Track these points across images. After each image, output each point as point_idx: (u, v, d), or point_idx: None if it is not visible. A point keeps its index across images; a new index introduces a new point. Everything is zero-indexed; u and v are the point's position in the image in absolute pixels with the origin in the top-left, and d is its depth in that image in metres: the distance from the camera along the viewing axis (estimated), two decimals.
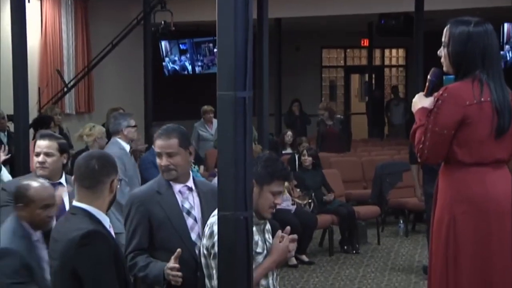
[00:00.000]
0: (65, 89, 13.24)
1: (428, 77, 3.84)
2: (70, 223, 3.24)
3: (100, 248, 3.15)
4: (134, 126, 7.03)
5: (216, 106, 2.99)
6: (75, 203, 3.30)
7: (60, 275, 3.18)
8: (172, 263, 3.71)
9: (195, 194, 4.03)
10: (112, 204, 3.39)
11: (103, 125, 9.72)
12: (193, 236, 3.93)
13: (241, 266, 2.95)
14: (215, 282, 3.48)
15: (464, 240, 3.64)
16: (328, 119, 13.35)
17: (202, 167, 9.66)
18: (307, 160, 9.88)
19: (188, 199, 4.00)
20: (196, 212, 3.98)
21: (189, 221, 3.96)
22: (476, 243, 3.64)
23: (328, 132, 13.33)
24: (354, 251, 9.72)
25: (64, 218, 3.37)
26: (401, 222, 10.95)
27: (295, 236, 3.70)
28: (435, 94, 3.71)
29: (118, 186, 3.40)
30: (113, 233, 3.34)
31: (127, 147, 6.86)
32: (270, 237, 3.74)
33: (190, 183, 4.04)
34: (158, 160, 4.00)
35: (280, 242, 3.62)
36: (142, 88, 13.49)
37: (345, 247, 9.79)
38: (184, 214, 3.97)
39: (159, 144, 3.98)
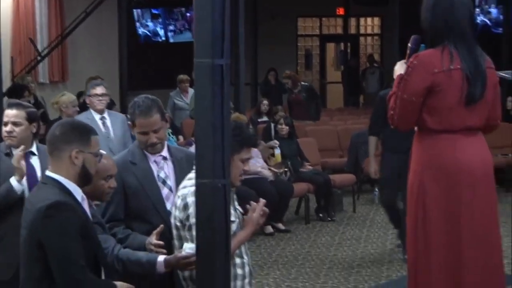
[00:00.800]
0: (39, 58, 13.10)
1: (408, 44, 3.87)
2: (40, 193, 3.19)
3: (66, 220, 3.07)
4: (99, 95, 6.87)
5: (192, 76, 2.97)
6: (47, 172, 3.25)
7: (28, 245, 3.14)
8: (155, 240, 3.67)
9: (169, 163, 4.01)
10: (86, 179, 3.24)
11: (78, 94, 9.69)
12: (168, 205, 3.92)
13: (219, 233, 2.95)
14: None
15: (432, 205, 3.72)
16: (293, 87, 13.35)
17: (181, 137, 9.64)
18: (284, 128, 9.89)
19: (164, 169, 3.98)
20: (171, 181, 3.97)
21: (164, 191, 3.95)
22: (444, 207, 3.72)
23: (294, 100, 13.32)
24: (330, 219, 9.79)
25: (37, 188, 3.32)
26: (377, 190, 11.02)
27: (266, 209, 3.70)
28: (408, 61, 3.76)
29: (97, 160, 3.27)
30: (85, 205, 3.25)
31: (97, 116, 6.77)
32: (237, 204, 3.80)
33: (165, 152, 4.02)
34: (142, 138, 3.95)
35: (253, 213, 3.64)
36: (117, 57, 13.40)
37: (321, 215, 9.86)
38: (160, 184, 3.95)
39: (143, 123, 3.92)
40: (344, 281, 7.18)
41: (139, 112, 3.93)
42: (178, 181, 3.93)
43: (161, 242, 3.69)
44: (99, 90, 6.90)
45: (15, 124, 4.43)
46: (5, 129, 4.42)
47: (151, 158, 3.98)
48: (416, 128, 3.84)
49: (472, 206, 3.72)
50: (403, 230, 6.54)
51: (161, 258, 3.52)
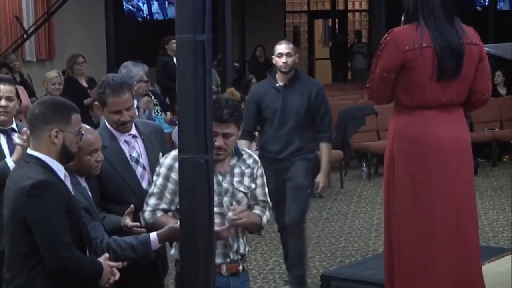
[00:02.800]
0: (25, 36, 13.03)
1: (402, 18, 3.91)
2: (23, 171, 3.17)
3: (50, 198, 3.06)
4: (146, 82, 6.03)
5: None
6: (28, 150, 3.22)
7: (12, 223, 3.14)
8: (129, 222, 3.65)
9: (139, 140, 3.96)
10: (68, 158, 3.22)
11: (63, 72, 9.67)
12: (144, 184, 3.89)
13: (202, 209, 2.97)
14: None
15: (402, 176, 3.77)
16: None
17: (169, 114, 9.60)
18: None
19: (135, 148, 3.94)
20: (144, 159, 3.93)
21: (139, 170, 3.92)
22: (413, 182, 3.76)
23: None
24: (318, 195, 9.83)
25: (18, 166, 3.32)
26: (364, 165, 11.09)
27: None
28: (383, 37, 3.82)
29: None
30: (68, 183, 3.24)
31: (135, 103, 6.08)
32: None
33: (134, 130, 3.96)
34: (114, 117, 3.88)
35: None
36: (104, 33, 13.34)
37: (309, 191, 9.88)
38: (133, 163, 3.92)
39: (115, 101, 3.85)
40: (331, 256, 7.24)
41: (111, 91, 3.84)
42: (150, 157, 3.92)
43: (137, 223, 3.68)
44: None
45: (8, 99, 4.32)
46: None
47: (121, 138, 3.91)
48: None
49: (443, 181, 3.75)
50: (286, 252, 6.13)
51: (153, 234, 3.48)
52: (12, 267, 3.17)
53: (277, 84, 5.82)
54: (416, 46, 3.70)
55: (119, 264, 3.31)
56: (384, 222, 3.98)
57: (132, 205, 3.69)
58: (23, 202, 3.07)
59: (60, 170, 3.20)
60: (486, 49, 4.12)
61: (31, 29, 13.22)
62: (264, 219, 3.80)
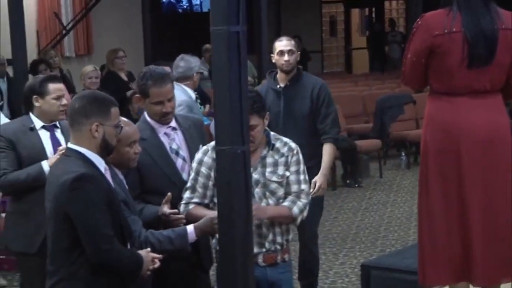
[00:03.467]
0: (64, 32, 13.18)
1: None
2: (64, 166, 3.20)
3: (91, 192, 3.10)
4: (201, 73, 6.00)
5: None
6: (69, 144, 3.26)
7: (54, 218, 3.18)
8: (167, 210, 3.66)
9: (179, 133, 3.97)
10: (108, 151, 3.25)
11: (102, 67, 9.75)
12: (185, 176, 3.90)
13: (239, 199, 2.99)
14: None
15: (434, 162, 3.75)
16: None
17: (207, 106, 9.62)
18: None
19: (175, 140, 3.95)
20: (184, 151, 3.94)
21: (179, 162, 3.92)
22: (444, 165, 3.74)
23: None
24: (357, 185, 9.81)
25: (60, 160, 3.35)
26: (403, 154, 11.02)
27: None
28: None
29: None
30: (108, 176, 3.27)
31: (193, 95, 5.61)
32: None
33: (173, 122, 3.97)
34: (157, 108, 3.88)
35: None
36: (141, 28, 13.42)
37: (348, 181, 9.88)
38: (173, 155, 3.93)
39: (158, 92, 3.87)
40: (371, 246, 7.21)
41: (153, 82, 3.85)
42: (190, 150, 3.93)
43: (175, 210, 3.69)
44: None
45: (65, 97, 4.35)
46: (61, 102, 4.25)
47: (161, 130, 3.90)
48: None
49: (472, 169, 3.70)
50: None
51: (190, 227, 3.51)
52: (54, 260, 3.21)
53: (278, 86, 5.24)
54: (446, 31, 3.65)
55: (160, 256, 3.34)
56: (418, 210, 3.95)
57: (169, 193, 3.71)
58: (65, 196, 3.10)
59: (100, 163, 3.23)
60: None
61: (70, 25, 13.37)
62: (296, 209, 3.74)
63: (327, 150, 5.21)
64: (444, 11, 3.70)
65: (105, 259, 3.13)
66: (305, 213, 3.81)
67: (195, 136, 4.00)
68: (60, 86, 4.36)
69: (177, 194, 3.77)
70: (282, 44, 5.24)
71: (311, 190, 4.39)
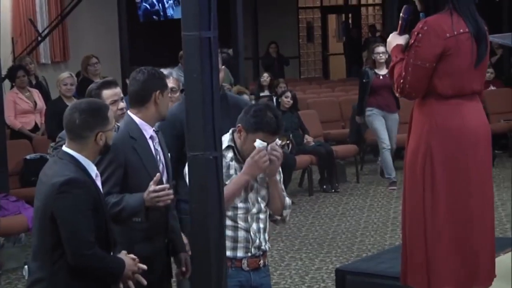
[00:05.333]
0: (39, 38, 13.10)
1: (401, 14, 3.86)
2: (56, 168, 3.29)
3: (78, 196, 3.17)
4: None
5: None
6: (64, 148, 3.33)
7: (41, 217, 3.25)
8: (155, 187, 3.66)
9: (157, 137, 3.94)
10: (106, 150, 3.37)
11: (78, 74, 9.72)
12: (164, 180, 3.88)
13: (212, 204, 3.00)
14: None
15: (441, 169, 3.71)
16: None
17: None
18: (289, 102, 9.88)
19: (157, 144, 3.92)
20: (161, 155, 3.93)
21: (160, 167, 3.90)
22: (453, 171, 3.72)
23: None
24: (334, 190, 9.83)
25: (53, 161, 3.43)
26: (379, 160, 11.05)
27: (277, 154, 3.70)
28: (415, 27, 3.73)
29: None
30: (99, 182, 3.34)
31: None
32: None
33: (156, 126, 3.96)
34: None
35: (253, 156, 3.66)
36: (117, 34, 13.38)
37: (325, 187, 9.89)
38: (157, 159, 3.90)
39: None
40: (348, 251, 7.23)
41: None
42: (165, 154, 3.92)
43: (166, 185, 3.69)
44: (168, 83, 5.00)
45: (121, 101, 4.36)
46: (119, 106, 4.23)
47: (148, 133, 3.88)
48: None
49: (477, 169, 3.75)
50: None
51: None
52: (37, 258, 3.28)
53: None
54: (455, 32, 3.65)
55: (144, 266, 3.38)
56: (406, 216, 3.88)
57: (158, 174, 3.72)
58: (52, 197, 3.18)
59: (92, 169, 3.32)
60: (495, 39, 4.11)
61: (45, 32, 13.30)
62: (287, 200, 3.86)
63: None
64: (445, 14, 3.69)
65: (84, 264, 3.19)
66: (288, 215, 3.90)
67: (162, 142, 3.99)
68: (115, 91, 4.34)
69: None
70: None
71: None
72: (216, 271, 3.00)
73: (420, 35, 3.67)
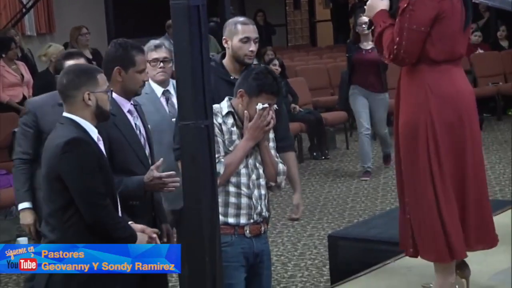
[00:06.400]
0: (24, 10, 12.97)
1: None
2: (58, 132, 3.32)
3: (83, 154, 3.21)
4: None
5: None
6: (64, 113, 3.37)
7: (48, 180, 3.27)
8: (157, 173, 3.68)
9: (135, 110, 3.92)
10: (103, 116, 3.37)
11: (65, 45, 9.64)
12: (147, 153, 3.88)
13: (205, 174, 2.98)
14: None
15: (443, 135, 3.69)
16: None
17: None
18: (277, 70, 9.85)
19: (137, 118, 3.91)
20: (142, 129, 3.91)
21: (142, 140, 3.89)
22: (452, 136, 3.70)
23: None
24: (324, 157, 9.85)
25: (55, 128, 3.46)
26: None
27: (270, 118, 3.72)
28: None
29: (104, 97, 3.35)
30: (101, 145, 3.37)
31: (158, 90, 4.65)
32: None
33: (134, 100, 3.93)
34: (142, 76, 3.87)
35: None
36: (103, 5, 13.27)
37: (315, 154, 9.92)
38: (138, 132, 3.88)
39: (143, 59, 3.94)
40: (339, 217, 7.27)
41: (138, 50, 3.87)
42: (145, 126, 3.92)
43: (171, 172, 3.70)
44: (160, 53, 4.72)
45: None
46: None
47: (126, 107, 3.85)
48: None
49: (471, 134, 3.74)
50: None
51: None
52: (48, 222, 3.31)
53: (232, 77, 4.11)
54: None
55: (157, 230, 3.45)
56: (409, 186, 3.79)
57: (161, 159, 3.74)
58: (57, 158, 3.22)
59: (93, 131, 3.34)
60: (484, 1, 4.08)
61: (30, 3, 13.16)
62: (281, 166, 3.86)
63: (293, 162, 4.29)
64: None
65: (100, 217, 3.23)
66: (284, 181, 3.89)
67: (142, 114, 3.99)
68: (77, 62, 4.31)
69: (143, 172, 3.75)
70: (249, 29, 4.16)
71: (294, 215, 4.36)
72: (209, 241, 2.99)
73: None
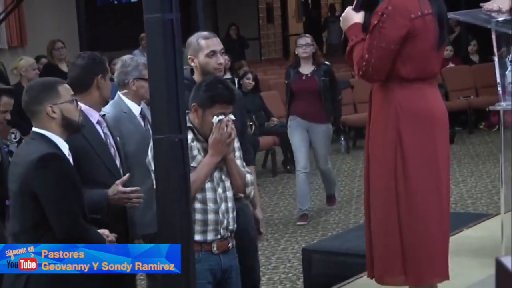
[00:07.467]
0: None
1: None
2: (30, 147, 3.30)
3: (58, 169, 3.20)
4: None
5: None
6: (34, 129, 3.35)
7: (20, 196, 3.24)
8: (121, 188, 3.62)
9: (104, 122, 3.90)
10: (73, 127, 3.35)
11: (37, 57, 9.59)
12: (117, 163, 3.85)
13: (179, 187, 2.97)
14: None
15: (411, 153, 3.66)
16: None
17: None
18: (251, 83, 9.87)
19: (105, 128, 3.88)
20: (111, 139, 3.88)
21: (112, 150, 3.86)
22: (423, 155, 3.68)
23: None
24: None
25: (25, 143, 3.48)
26: (342, 139, 11.12)
27: (230, 129, 3.67)
28: (378, 7, 3.63)
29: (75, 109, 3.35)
30: (71, 160, 3.35)
31: (135, 108, 4.44)
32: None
33: (102, 112, 3.90)
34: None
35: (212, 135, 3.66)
36: (75, 17, 13.23)
37: (288, 167, 9.93)
38: (108, 143, 3.85)
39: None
40: (313, 230, 7.28)
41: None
42: (115, 138, 3.89)
43: (136, 188, 3.65)
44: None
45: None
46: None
47: (95, 118, 3.81)
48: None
49: (443, 152, 3.74)
50: None
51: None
52: (19, 238, 3.26)
53: None
54: (419, 13, 3.58)
55: (114, 235, 3.43)
56: (370, 197, 3.80)
57: (128, 174, 3.70)
58: (32, 174, 3.18)
59: (64, 146, 3.32)
60: (455, 16, 4.10)
61: (1, 16, 13.06)
62: (249, 176, 3.82)
63: (253, 176, 4.10)
64: None
65: (71, 234, 3.20)
66: (253, 190, 3.87)
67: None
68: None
69: (113, 183, 3.70)
70: (213, 42, 4.12)
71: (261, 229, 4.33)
72: (184, 256, 2.98)
73: (384, 15, 3.56)
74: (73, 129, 3.37)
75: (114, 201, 3.66)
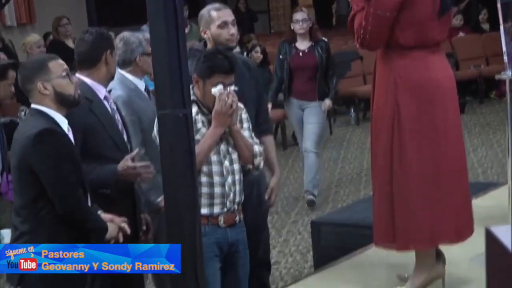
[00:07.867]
0: (3, 1, 12.87)
1: None
2: (28, 123, 3.33)
3: (55, 144, 3.21)
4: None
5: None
6: (32, 105, 3.37)
7: (19, 172, 3.27)
8: (131, 163, 3.61)
9: (111, 97, 3.89)
10: (68, 102, 3.34)
11: (46, 34, 9.59)
12: (125, 138, 3.83)
13: (183, 163, 2.98)
14: None
15: (409, 122, 3.66)
16: None
17: None
18: (259, 57, 9.82)
19: (112, 103, 3.86)
20: (118, 114, 3.87)
21: (119, 125, 3.84)
22: (419, 127, 3.67)
23: None
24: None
25: (25, 119, 3.50)
26: (352, 111, 11.10)
27: (232, 100, 3.65)
28: None
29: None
30: (71, 136, 3.36)
31: (141, 84, 4.35)
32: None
33: (109, 86, 3.89)
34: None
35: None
36: None
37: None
38: (116, 118, 3.83)
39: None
40: (323, 202, 7.29)
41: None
42: (121, 114, 3.89)
43: (146, 162, 3.65)
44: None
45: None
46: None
47: (102, 93, 3.79)
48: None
49: (446, 122, 3.71)
50: None
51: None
52: (19, 213, 3.30)
53: None
54: None
55: (125, 219, 3.43)
56: (376, 168, 3.83)
57: (137, 149, 3.71)
58: (29, 149, 3.20)
59: (63, 122, 3.33)
60: None
61: None
62: (256, 147, 3.79)
63: (272, 146, 4.40)
64: None
65: (72, 207, 3.23)
66: (262, 161, 3.83)
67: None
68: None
69: (120, 157, 3.69)
70: (224, 13, 4.16)
71: (267, 196, 4.32)
72: (189, 230, 2.99)
73: None
74: (69, 103, 3.35)
75: (123, 177, 3.66)
